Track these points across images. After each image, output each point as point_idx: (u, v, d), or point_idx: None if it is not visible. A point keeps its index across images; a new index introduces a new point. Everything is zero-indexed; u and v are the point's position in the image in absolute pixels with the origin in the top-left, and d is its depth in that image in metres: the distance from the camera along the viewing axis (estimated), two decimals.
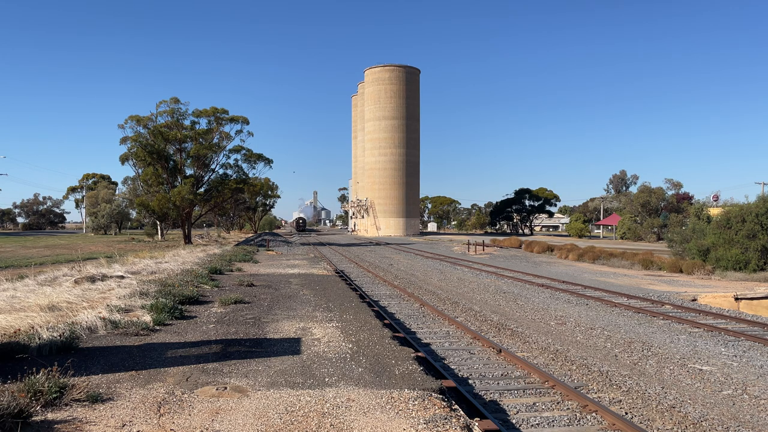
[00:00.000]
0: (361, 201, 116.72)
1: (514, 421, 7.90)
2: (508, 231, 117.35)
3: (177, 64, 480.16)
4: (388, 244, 68.02)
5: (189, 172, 54.38)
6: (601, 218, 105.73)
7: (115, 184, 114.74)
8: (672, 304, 18.48)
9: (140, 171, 54.40)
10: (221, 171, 56.35)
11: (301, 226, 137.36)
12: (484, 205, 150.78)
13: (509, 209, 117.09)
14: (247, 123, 54.64)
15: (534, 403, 8.58)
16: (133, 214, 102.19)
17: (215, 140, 54.03)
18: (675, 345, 12.70)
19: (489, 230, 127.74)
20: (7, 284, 16.54)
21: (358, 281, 25.05)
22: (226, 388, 7.58)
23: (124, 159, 54.09)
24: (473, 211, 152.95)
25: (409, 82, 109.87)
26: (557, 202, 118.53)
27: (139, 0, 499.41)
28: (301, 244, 63.27)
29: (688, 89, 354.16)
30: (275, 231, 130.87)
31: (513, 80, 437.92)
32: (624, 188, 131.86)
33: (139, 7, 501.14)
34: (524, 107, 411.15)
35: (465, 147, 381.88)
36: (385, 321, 14.38)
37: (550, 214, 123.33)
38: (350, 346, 10.30)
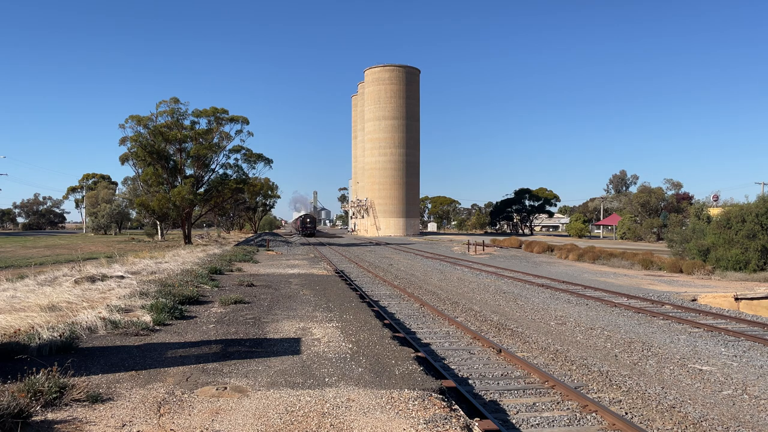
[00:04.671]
0: (361, 201, 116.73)
1: (514, 421, 7.90)
2: (508, 231, 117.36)
3: (177, 64, 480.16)
4: (388, 244, 68.03)
5: (189, 172, 54.39)
6: (601, 218, 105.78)
7: (115, 184, 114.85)
8: (672, 304, 18.48)
9: (140, 171, 54.39)
10: (221, 171, 56.44)
11: (308, 227, 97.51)
12: (484, 205, 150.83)
13: (509, 209, 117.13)
14: (247, 123, 54.70)
15: (534, 403, 8.58)
16: (133, 214, 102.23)
17: (215, 140, 54.03)
18: (675, 345, 12.70)
19: (489, 230, 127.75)
20: (7, 284, 16.55)
21: (358, 281, 25.05)
22: (226, 388, 7.58)
23: (124, 159, 54.11)
24: (473, 211, 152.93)
25: (409, 82, 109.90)
26: (557, 202, 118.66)
27: (139, 0, 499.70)
28: (301, 244, 63.27)
29: (688, 89, 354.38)
30: (275, 231, 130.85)
31: (513, 80, 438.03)
32: (624, 188, 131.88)
33: (138, 7, 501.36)
34: (524, 107, 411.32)
35: (465, 147, 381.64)
36: (385, 321, 14.38)
37: (550, 214, 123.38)
38: (350, 346, 10.30)
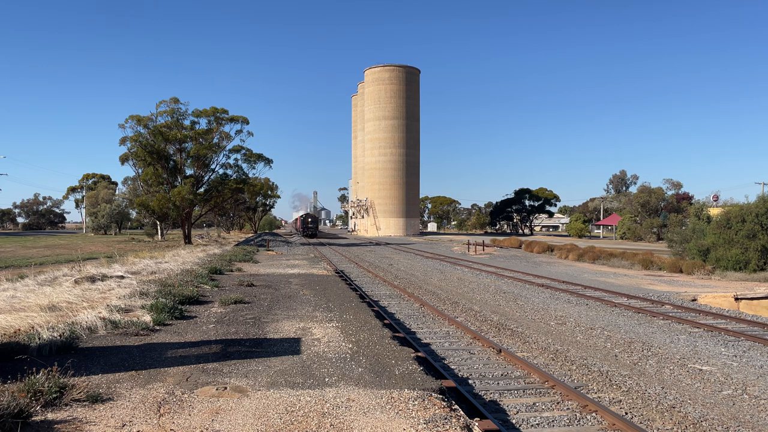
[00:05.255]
0: (361, 201, 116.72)
1: (514, 421, 7.90)
2: (508, 231, 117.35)
3: (177, 64, 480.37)
4: (388, 244, 68.01)
5: (189, 172, 54.37)
6: (601, 218, 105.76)
7: (115, 184, 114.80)
8: (672, 304, 18.48)
9: (140, 171, 54.35)
10: (221, 171, 56.42)
11: (309, 227, 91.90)
12: (484, 205, 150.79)
13: (509, 209, 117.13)
14: (247, 123, 54.68)
15: (534, 403, 8.58)
16: (133, 214, 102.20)
17: (215, 140, 54.01)
18: (675, 345, 12.70)
19: (489, 230, 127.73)
20: (7, 284, 16.54)
21: (358, 281, 25.05)
22: (226, 388, 7.58)
23: (124, 159, 54.09)
24: (473, 211, 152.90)
25: (409, 82, 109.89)
26: (557, 202, 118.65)
27: (138, 0, 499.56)
28: (300, 244, 63.27)
29: (688, 89, 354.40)
30: (275, 231, 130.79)
31: (513, 80, 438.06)
32: (624, 188, 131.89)
33: (138, 7, 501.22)
34: (524, 107, 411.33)
35: (465, 147, 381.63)
36: (385, 321, 14.38)
37: (550, 214, 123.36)
38: (350, 346, 10.30)
